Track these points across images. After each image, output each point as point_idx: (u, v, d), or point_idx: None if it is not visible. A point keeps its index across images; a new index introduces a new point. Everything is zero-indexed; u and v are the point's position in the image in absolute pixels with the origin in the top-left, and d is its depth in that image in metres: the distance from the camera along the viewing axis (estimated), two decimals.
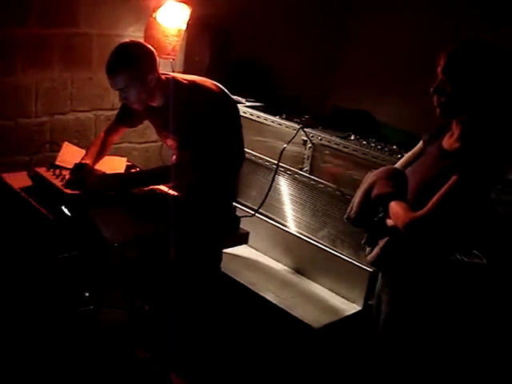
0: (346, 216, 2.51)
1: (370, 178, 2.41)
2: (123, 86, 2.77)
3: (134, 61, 2.76)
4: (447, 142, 2.27)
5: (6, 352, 1.26)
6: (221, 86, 2.96)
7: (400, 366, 2.43)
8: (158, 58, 2.86)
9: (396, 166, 2.52)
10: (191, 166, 2.84)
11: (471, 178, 2.09)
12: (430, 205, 2.12)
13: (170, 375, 3.02)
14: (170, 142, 2.99)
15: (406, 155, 2.53)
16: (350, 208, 2.48)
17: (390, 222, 2.27)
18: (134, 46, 2.87)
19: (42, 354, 1.33)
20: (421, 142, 2.46)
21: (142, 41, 3.13)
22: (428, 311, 2.31)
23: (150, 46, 2.87)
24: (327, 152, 3.34)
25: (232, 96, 3.03)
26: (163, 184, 2.96)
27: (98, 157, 3.05)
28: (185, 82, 2.88)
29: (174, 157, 2.93)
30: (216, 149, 2.86)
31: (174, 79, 2.88)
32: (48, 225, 2.68)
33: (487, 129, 2.17)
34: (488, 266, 2.40)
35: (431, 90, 2.19)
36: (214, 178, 2.93)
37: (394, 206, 2.23)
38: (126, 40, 3.02)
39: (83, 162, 2.91)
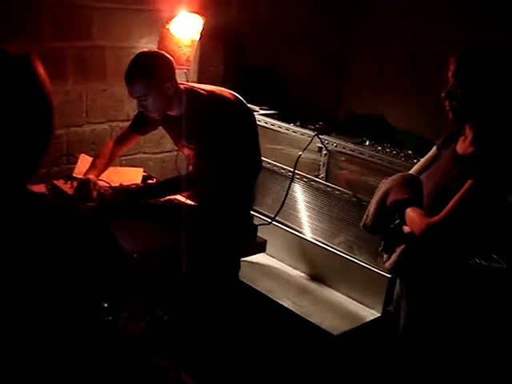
0: (362, 224, 2.51)
1: (384, 184, 2.40)
2: (141, 94, 2.78)
3: (152, 69, 2.78)
4: (461, 146, 2.27)
5: (25, 361, 1.27)
6: (238, 96, 2.98)
7: (420, 372, 2.41)
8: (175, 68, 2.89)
9: (411, 171, 2.51)
10: (209, 175, 2.85)
11: (486, 182, 2.09)
12: (445, 210, 2.12)
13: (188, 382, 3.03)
14: (187, 151, 3.01)
15: (421, 161, 2.53)
16: (366, 215, 2.47)
17: (406, 228, 2.26)
18: (153, 54, 2.92)
19: (62, 365, 1.34)
20: (435, 147, 2.46)
21: (160, 50, 3.15)
22: (447, 316, 2.30)
23: (168, 56, 2.89)
24: (342, 158, 3.34)
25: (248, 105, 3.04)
26: (180, 194, 2.97)
27: (105, 168, 3.05)
28: (202, 91, 2.89)
29: (191, 166, 2.95)
30: (234, 158, 2.87)
31: (192, 89, 2.90)
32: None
33: (500, 132, 2.17)
34: (508, 270, 2.39)
35: (443, 94, 2.19)
36: (232, 187, 2.94)
37: (410, 213, 2.22)
38: (144, 49, 3.04)
39: (88, 177, 2.89)
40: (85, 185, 2.85)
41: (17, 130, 1.25)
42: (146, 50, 3.06)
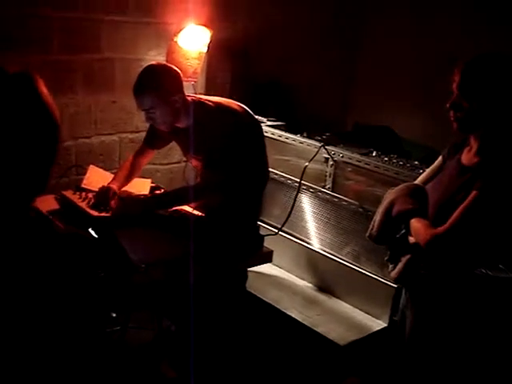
0: (368, 234, 2.51)
1: (390, 195, 2.41)
2: (149, 106, 2.81)
3: (160, 82, 2.81)
4: (466, 157, 2.28)
5: (31, 370, 1.28)
6: (245, 107, 3.00)
7: (426, 382, 2.41)
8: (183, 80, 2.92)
9: (416, 182, 2.52)
10: (217, 187, 2.87)
11: (491, 193, 2.09)
12: (450, 220, 2.12)
13: None
14: (195, 162, 3.03)
15: (426, 171, 2.54)
16: (371, 226, 2.48)
17: (411, 239, 2.27)
18: (161, 67, 2.94)
19: (68, 375, 1.35)
20: (440, 157, 2.46)
21: (168, 63, 3.18)
22: (453, 326, 2.31)
23: (176, 68, 2.92)
24: (349, 169, 3.35)
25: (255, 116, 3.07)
26: (187, 204, 2.99)
27: (127, 180, 3.09)
28: (210, 103, 2.91)
29: (199, 177, 2.97)
30: (241, 169, 2.89)
31: (200, 101, 2.93)
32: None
33: (505, 142, 2.18)
34: None
35: (447, 105, 2.21)
36: (239, 198, 2.96)
37: (415, 223, 2.23)
38: (152, 62, 3.07)
39: (109, 185, 2.96)
40: (104, 192, 2.89)
41: (22, 148, 1.26)
42: (154, 62, 3.08)
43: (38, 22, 3.32)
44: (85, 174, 3.22)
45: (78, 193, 2.99)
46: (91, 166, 3.30)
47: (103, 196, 2.88)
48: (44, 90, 1.31)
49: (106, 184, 2.97)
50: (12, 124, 1.24)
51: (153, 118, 2.86)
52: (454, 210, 2.13)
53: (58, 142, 1.33)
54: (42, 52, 3.37)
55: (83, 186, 3.08)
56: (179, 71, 2.92)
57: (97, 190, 2.94)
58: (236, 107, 2.98)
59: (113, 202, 2.87)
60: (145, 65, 3.01)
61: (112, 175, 3.15)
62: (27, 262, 1.27)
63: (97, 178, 3.13)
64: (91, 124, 3.73)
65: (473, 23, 3.94)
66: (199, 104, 2.90)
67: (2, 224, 1.27)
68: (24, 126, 1.26)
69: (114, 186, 2.97)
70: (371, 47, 4.60)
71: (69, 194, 2.98)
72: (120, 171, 3.13)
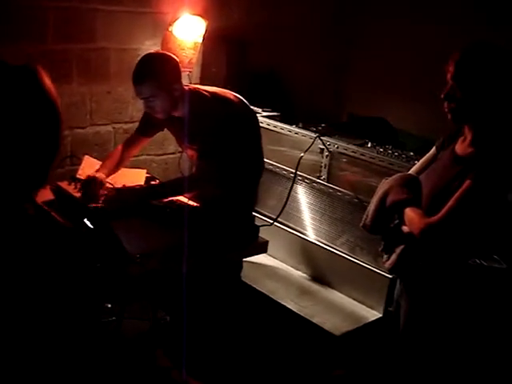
0: (362, 224, 2.52)
1: (384, 185, 2.42)
2: (150, 95, 2.80)
3: (161, 70, 2.80)
4: (460, 147, 2.28)
5: (26, 362, 1.28)
6: (241, 98, 3.00)
7: (420, 372, 2.43)
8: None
9: (410, 172, 2.53)
10: (212, 176, 2.87)
11: (485, 182, 2.10)
12: (444, 210, 2.13)
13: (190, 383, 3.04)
14: (190, 152, 3.03)
15: (420, 161, 2.54)
16: (365, 215, 2.48)
17: (405, 228, 2.27)
18: (161, 56, 2.94)
19: (64, 365, 1.35)
20: (434, 147, 2.47)
21: (167, 52, 3.17)
22: (447, 316, 2.32)
23: (174, 57, 2.91)
24: (344, 160, 3.35)
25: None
26: (182, 195, 2.99)
27: (115, 169, 3.09)
28: (206, 93, 2.91)
29: (195, 167, 2.97)
30: (236, 159, 2.89)
31: (197, 90, 2.92)
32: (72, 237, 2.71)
33: (499, 133, 2.18)
34: (508, 271, 2.39)
35: (442, 96, 2.21)
36: (234, 188, 2.96)
37: (409, 213, 2.24)
38: (151, 51, 3.06)
39: (95, 175, 2.94)
40: (89, 183, 2.88)
41: (23, 142, 1.26)
42: (153, 51, 3.08)
43: (33, 11, 3.31)
44: (80, 164, 3.22)
45: (73, 183, 2.99)
46: (86, 156, 3.29)
47: (89, 186, 2.88)
48: (48, 83, 1.30)
49: (92, 174, 2.96)
50: (14, 118, 1.24)
51: (152, 107, 2.85)
52: (448, 200, 2.14)
53: (59, 136, 1.33)
54: (36, 41, 3.36)
55: (78, 176, 3.07)
56: (177, 59, 2.91)
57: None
58: (232, 97, 2.97)
59: (100, 192, 2.86)
60: (140, 54, 3.00)
61: None
62: (25, 255, 1.27)
63: (92, 168, 3.12)
64: (86, 114, 3.72)
65: (464, 16, 3.95)
66: (195, 93, 2.90)
67: (1, 216, 1.27)
68: (26, 119, 1.26)
69: (101, 175, 2.96)
70: (367, 38, 4.58)
71: (64, 184, 2.98)
72: (108, 159, 3.11)
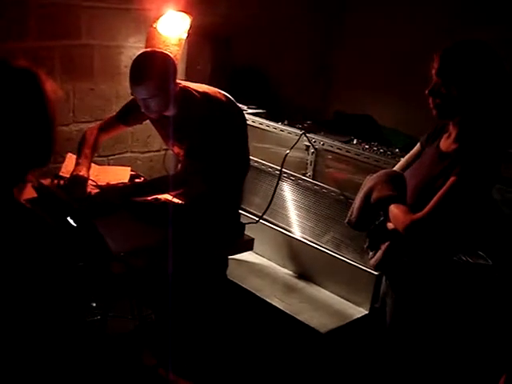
0: (347, 220, 2.52)
1: (369, 181, 2.42)
2: (150, 95, 2.76)
3: (161, 70, 2.76)
4: (444, 144, 2.29)
5: (15, 359, 1.27)
6: (229, 96, 2.99)
7: (406, 368, 2.43)
8: None
9: (395, 168, 2.53)
10: (197, 175, 2.86)
11: (469, 178, 2.10)
12: (429, 206, 2.13)
13: (177, 381, 3.03)
14: (177, 149, 3.01)
15: (405, 157, 2.54)
16: (350, 212, 2.48)
17: (390, 225, 2.28)
18: (159, 55, 2.87)
19: (50, 364, 1.34)
20: (418, 143, 2.47)
21: (163, 50, 3.12)
22: (432, 313, 2.32)
23: (171, 55, 2.88)
24: (330, 157, 3.35)
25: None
26: (168, 192, 2.97)
27: (92, 156, 3.06)
28: (195, 92, 2.88)
29: (181, 164, 2.95)
30: (223, 157, 2.89)
31: (186, 88, 2.89)
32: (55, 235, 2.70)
33: (483, 129, 2.19)
34: (493, 267, 2.40)
35: (426, 92, 2.21)
36: (220, 186, 2.95)
37: (394, 209, 2.24)
38: (148, 50, 3.03)
39: (79, 172, 2.91)
40: (78, 182, 2.85)
41: (16, 143, 1.25)
42: (149, 49, 3.03)
43: (14, 7, 3.27)
44: (63, 162, 3.18)
45: (56, 181, 2.96)
46: (69, 154, 3.26)
47: (73, 183, 2.86)
48: (48, 87, 1.31)
49: (74, 172, 2.93)
50: (8, 118, 1.23)
51: (149, 107, 2.80)
52: (433, 196, 2.14)
53: (52, 141, 1.35)
54: (19, 38, 3.32)
55: (61, 174, 3.05)
56: (173, 57, 2.88)
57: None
58: (221, 97, 2.96)
59: (84, 190, 2.84)
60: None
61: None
62: (9, 254, 1.26)
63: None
64: (69, 112, 3.69)
65: (450, 12, 3.96)
66: (185, 92, 2.87)
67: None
68: (19, 122, 1.26)
69: (85, 172, 2.93)
70: (352, 36, 4.60)
71: (47, 182, 2.95)
72: (85, 147, 3.04)
